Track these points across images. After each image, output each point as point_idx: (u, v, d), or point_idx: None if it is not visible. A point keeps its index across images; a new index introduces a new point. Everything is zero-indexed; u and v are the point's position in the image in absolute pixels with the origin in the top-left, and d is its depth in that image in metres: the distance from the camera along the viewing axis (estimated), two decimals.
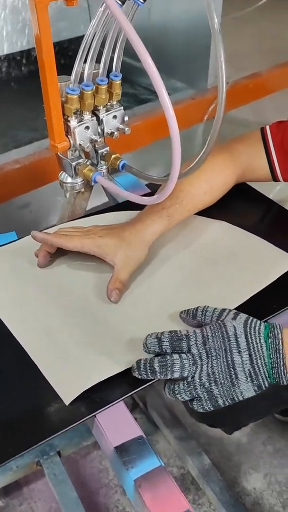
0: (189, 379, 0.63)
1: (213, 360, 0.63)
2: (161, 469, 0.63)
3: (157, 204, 0.84)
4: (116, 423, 0.66)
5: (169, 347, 0.64)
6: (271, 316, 0.76)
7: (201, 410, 0.64)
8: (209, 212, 0.93)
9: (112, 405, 0.66)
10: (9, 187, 1.38)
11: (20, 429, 0.64)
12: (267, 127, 0.94)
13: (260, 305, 0.78)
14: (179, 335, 0.65)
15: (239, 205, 0.99)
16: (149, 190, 1.01)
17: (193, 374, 0.63)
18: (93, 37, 0.60)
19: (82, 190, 0.72)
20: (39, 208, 1.54)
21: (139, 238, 0.79)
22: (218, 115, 0.58)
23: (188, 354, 0.64)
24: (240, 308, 0.77)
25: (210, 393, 0.63)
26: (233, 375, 0.62)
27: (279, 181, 0.96)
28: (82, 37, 0.61)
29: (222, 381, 0.62)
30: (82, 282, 0.82)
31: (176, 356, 0.63)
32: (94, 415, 0.65)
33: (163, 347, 0.64)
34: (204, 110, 1.64)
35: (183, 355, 0.64)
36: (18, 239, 0.91)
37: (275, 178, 0.96)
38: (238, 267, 0.83)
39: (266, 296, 0.79)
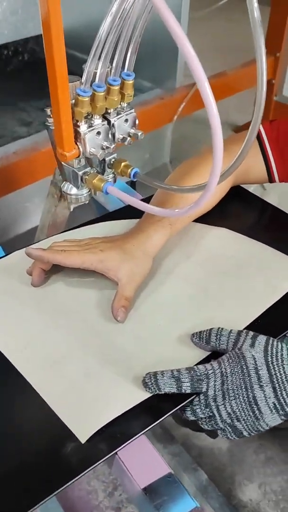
0: (209, 416, 0.59)
1: (232, 400, 0.58)
2: (197, 511, 0.56)
3: (166, 204, 0.77)
4: (141, 460, 0.59)
5: (189, 388, 0.59)
6: None
7: (226, 439, 0.59)
8: (205, 218, 0.87)
9: (134, 439, 0.59)
10: None
11: (33, 477, 0.55)
12: (260, 126, 0.88)
13: (276, 318, 0.72)
14: (199, 374, 0.59)
15: (234, 209, 0.93)
16: (141, 196, 0.94)
17: (209, 413, 0.59)
18: (108, 33, 0.52)
19: (87, 202, 0.64)
20: (8, 216, 1.44)
21: (142, 250, 0.72)
22: (256, 116, 0.51)
23: (201, 397, 0.59)
24: (256, 323, 0.71)
25: (234, 427, 0.58)
26: (256, 411, 0.57)
27: (275, 181, 0.90)
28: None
29: (245, 418, 0.58)
30: (81, 301, 0.74)
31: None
32: (115, 453, 0.58)
33: (183, 388, 0.59)
34: (173, 110, 1.58)
35: (195, 400, 0.60)
36: (6, 254, 0.82)
37: (271, 179, 0.90)
38: (247, 277, 0.77)
39: (281, 307, 0.73)
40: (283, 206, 0.94)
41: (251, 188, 0.99)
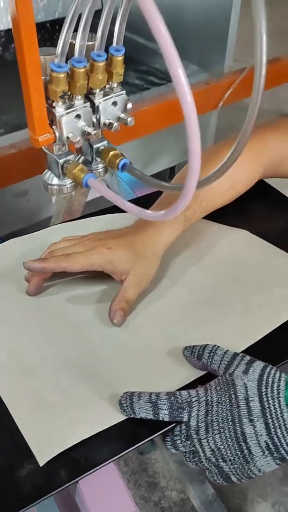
0: (192, 451, 0.50)
1: (215, 434, 0.47)
2: None
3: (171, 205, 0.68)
4: (104, 494, 0.50)
5: (167, 416, 0.49)
6: None
7: (213, 481, 0.50)
8: (224, 217, 0.76)
9: (99, 468, 0.50)
10: (4, 173, 1.22)
11: None
12: None
13: (282, 341, 0.62)
14: (180, 401, 0.49)
15: (259, 210, 0.82)
16: (149, 191, 0.84)
17: (191, 448, 0.49)
18: None
19: (73, 193, 0.55)
20: (38, 197, 1.38)
21: (151, 248, 0.63)
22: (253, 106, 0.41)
23: (183, 427, 0.50)
24: (257, 344, 0.61)
25: (220, 468, 0.48)
26: (245, 450, 0.47)
27: None
28: None
29: (231, 458, 0.47)
30: (68, 303, 0.65)
31: None
32: (76, 481, 0.50)
33: (161, 415, 0.49)
34: (219, 96, 1.46)
35: (176, 430, 0.50)
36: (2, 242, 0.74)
37: None
38: (259, 289, 0.66)
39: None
40: None
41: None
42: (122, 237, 0.65)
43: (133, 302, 0.63)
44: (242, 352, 0.57)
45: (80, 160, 0.53)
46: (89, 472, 0.50)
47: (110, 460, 0.51)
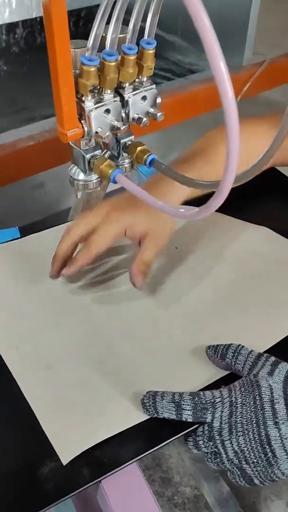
0: (214, 452, 0.49)
1: (239, 436, 0.47)
2: None
3: (185, 163, 0.67)
4: (127, 494, 0.50)
5: (191, 416, 0.48)
6: None
7: (235, 483, 0.49)
8: (243, 213, 0.75)
9: (122, 468, 0.50)
10: (22, 165, 1.22)
11: (2, 494, 0.48)
12: None
13: None
14: (204, 402, 0.48)
15: (278, 206, 0.81)
16: None
17: (213, 449, 0.48)
18: None
19: (98, 189, 0.54)
20: (54, 189, 1.37)
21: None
22: None
23: (205, 427, 0.49)
24: (282, 344, 0.60)
25: (243, 471, 0.47)
26: (269, 453, 0.46)
27: None
28: None
29: (255, 460, 0.46)
30: (89, 299, 0.64)
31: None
32: (99, 481, 0.49)
33: (184, 415, 0.48)
34: (237, 89, 1.44)
35: (198, 430, 0.50)
36: (21, 237, 0.74)
37: None
38: (285, 287, 0.66)
39: None
40: None
41: None
42: (134, 198, 0.64)
43: (152, 264, 0.62)
44: (266, 350, 0.57)
45: (106, 155, 0.52)
46: (112, 472, 0.49)
47: (133, 460, 0.50)
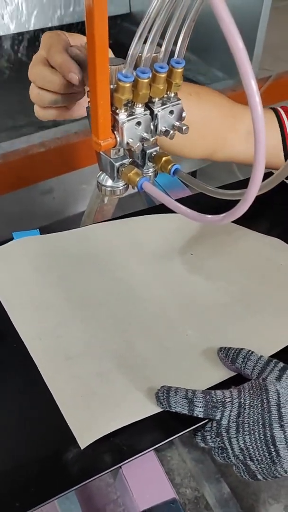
0: (220, 447, 0.53)
1: (246, 435, 0.51)
2: None
3: None
4: (145, 479, 0.54)
5: (202, 413, 0.52)
6: None
7: (239, 476, 0.53)
8: (252, 223, 0.80)
9: (141, 455, 0.54)
10: (33, 171, 1.26)
11: (30, 478, 0.52)
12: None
13: None
14: (215, 400, 0.52)
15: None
16: (189, 193, 0.88)
17: (220, 444, 0.52)
18: (158, 12, 0.47)
19: (123, 195, 0.59)
20: (63, 195, 1.41)
21: None
22: None
23: (214, 424, 0.53)
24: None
25: (247, 466, 0.51)
26: (273, 453, 0.50)
27: None
28: None
29: (259, 458, 0.50)
30: (111, 295, 0.69)
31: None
32: (120, 466, 0.53)
33: (195, 412, 0.52)
34: (245, 103, 1.50)
35: (207, 426, 0.54)
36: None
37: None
38: None
39: None
40: None
41: None
42: None
43: None
44: (277, 352, 0.61)
45: (134, 164, 0.57)
46: (132, 458, 0.53)
47: (151, 448, 0.54)
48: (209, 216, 0.45)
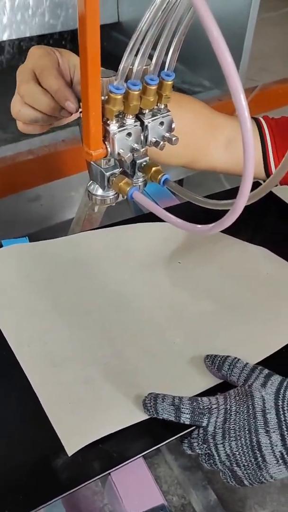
0: (207, 454, 0.54)
1: (232, 441, 0.52)
2: None
3: None
4: (134, 485, 0.54)
5: (188, 420, 0.53)
6: None
7: (226, 482, 0.54)
8: (239, 232, 0.81)
9: (130, 461, 0.55)
10: (20, 178, 1.27)
11: (19, 485, 0.52)
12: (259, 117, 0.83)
13: None
14: (201, 407, 0.54)
15: (273, 228, 0.87)
16: (178, 202, 0.90)
17: (207, 451, 0.53)
18: (149, 26, 0.48)
19: (113, 204, 0.60)
20: (50, 203, 1.42)
21: None
22: None
23: (200, 431, 0.54)
24: (275, 357, 0.65)
25: (234, 472, 0.52)
26: (259, 458, 0.51)
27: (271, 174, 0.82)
28: None
29: (245, 464, 0.51)
30: (99, 301, 0.70)
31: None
32: (109, 473, 0.54)
33: (182, 418, 0.53)
34: (231, 113, 1.52)
35: (194, 433, 0.55)
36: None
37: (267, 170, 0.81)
38: (281, 300, 0.72)
39: None
40: None
41: None
42: None
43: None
44: (263, 359, 0.62)
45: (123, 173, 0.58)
46: (121, 465, 0.54)
47: (140, 454, 0.55)
48: (199, 226, 0.46)
